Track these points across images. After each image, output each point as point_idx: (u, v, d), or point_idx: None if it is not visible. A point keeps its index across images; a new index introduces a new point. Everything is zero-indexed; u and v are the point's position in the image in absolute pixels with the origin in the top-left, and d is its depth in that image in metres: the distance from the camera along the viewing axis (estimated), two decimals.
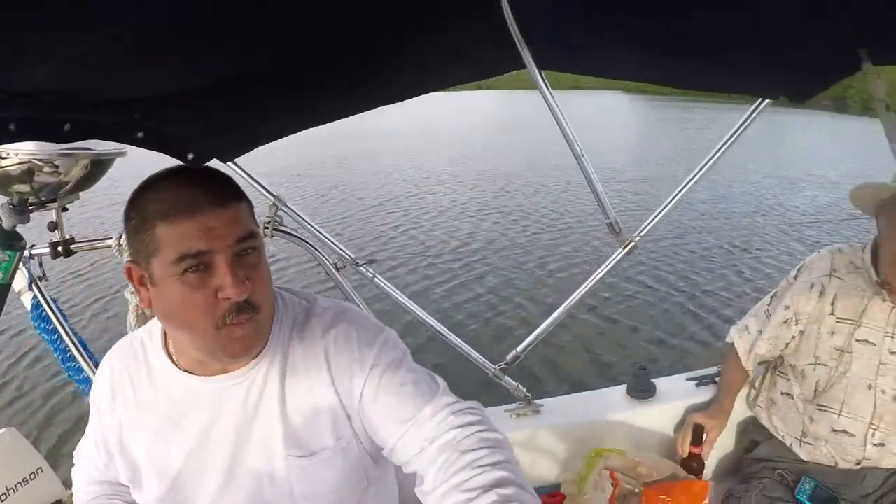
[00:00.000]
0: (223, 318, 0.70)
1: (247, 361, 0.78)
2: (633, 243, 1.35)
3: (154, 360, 0.83)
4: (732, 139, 1.42)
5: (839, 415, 1.32)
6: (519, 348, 1.43)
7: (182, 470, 0.80)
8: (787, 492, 1.34)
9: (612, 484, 1.33)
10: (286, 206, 1.34)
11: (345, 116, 1.14)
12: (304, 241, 1.34)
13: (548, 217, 8.95)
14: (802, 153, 15.14)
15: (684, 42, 1.03)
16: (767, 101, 1.39)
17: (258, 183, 1.34)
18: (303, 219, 1.39)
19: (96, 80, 0.69)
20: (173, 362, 0.81)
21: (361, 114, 1.13)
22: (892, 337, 1.29)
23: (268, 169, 10.18)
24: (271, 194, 1.34)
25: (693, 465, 1.43)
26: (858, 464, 1.33)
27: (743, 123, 1.41)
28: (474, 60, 1.03)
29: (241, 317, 0.70)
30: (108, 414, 0.84)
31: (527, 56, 0.96)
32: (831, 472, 1.35)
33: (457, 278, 6.34)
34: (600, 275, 1.40)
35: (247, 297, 0.70)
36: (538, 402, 1.55)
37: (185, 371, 0.80)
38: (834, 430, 1.32)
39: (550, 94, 1.08)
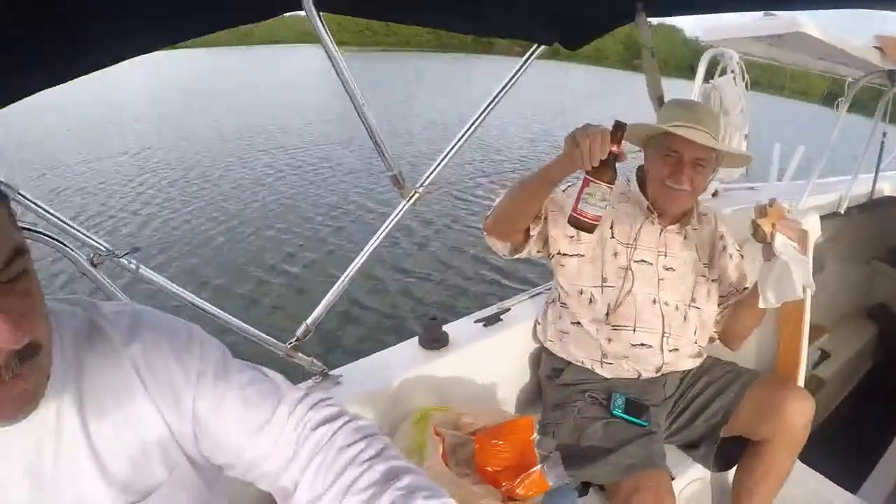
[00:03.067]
0: None
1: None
2: (417, 194, 1.33)
3: None
4: (508, 87, 1.43)
5: (634, 331, 1.41)
6: (309, 320, 1.31)
7: None
8: (602, 409, 1.40)
9: (439, 441, 1.25)
10: (19, 193, 1.09)
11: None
12: (48, 235, 1.10)
13: (327, 180, 8.69)
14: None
15: None
16: (542, 47, 1.43)
17: None
18: (42, 208, 1.13)
19: None
20: None
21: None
22: (665, 255, 1.45)
23: None
24: None
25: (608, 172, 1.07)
26: (658, 371, 1.45)
27: (518, 72, 1.43)
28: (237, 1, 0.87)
29: (21, 367, 0.50)
30: None
31: None
32: (635, 383, 1.45)
33: (231, 258, 5.80)
34: (387, 230, 1.35)
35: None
36: (336, 372, 1.44)
37: None
38: (633, 346, 1.41)
39: (331, 39, 0.99)
